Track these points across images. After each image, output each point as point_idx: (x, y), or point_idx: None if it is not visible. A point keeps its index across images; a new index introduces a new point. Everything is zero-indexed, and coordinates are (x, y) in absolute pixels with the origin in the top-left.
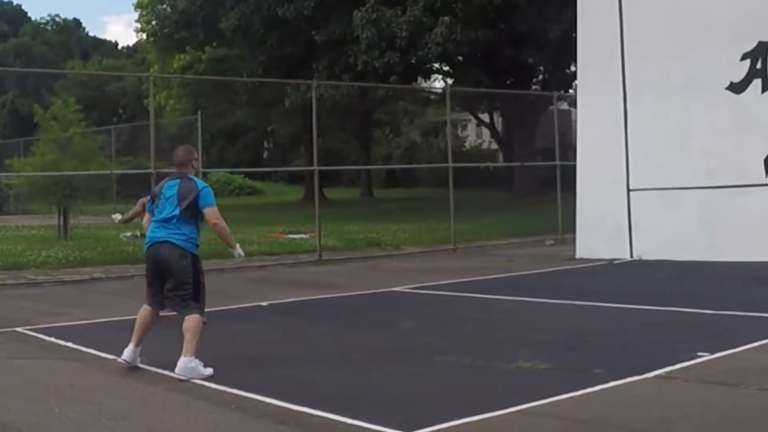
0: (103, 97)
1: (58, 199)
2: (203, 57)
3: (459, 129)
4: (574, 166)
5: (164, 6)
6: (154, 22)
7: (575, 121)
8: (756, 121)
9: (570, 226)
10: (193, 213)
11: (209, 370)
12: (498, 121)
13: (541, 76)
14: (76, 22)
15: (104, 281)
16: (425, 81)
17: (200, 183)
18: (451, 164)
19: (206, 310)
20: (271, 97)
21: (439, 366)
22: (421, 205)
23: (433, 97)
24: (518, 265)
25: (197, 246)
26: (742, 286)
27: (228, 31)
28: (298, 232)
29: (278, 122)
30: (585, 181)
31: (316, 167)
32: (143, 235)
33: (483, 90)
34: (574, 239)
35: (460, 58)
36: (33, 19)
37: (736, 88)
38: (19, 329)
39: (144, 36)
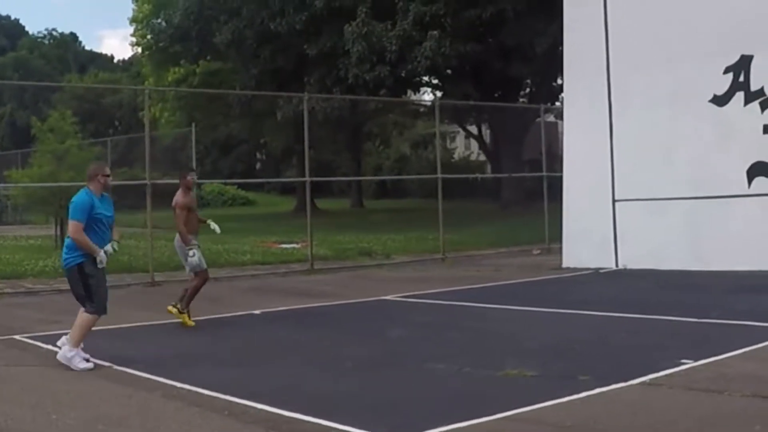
0: (99, 109)
1: (55, 209)
2: (197, 70)
3: (448, 141)
4: (561, 177)
5: (159, 20)
6: (149, 37)
7: (562, 133)
8: (738, 133)
9: (557, 235)
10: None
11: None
12: (486, 133)
13: (528, 89)
14: (73, 36)
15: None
16: (415, 94)
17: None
18: (440, 175)
19: (201, 317)
20: (263, 109)
21: (428, 373)
22: (410, 216)
23: (422, 109)
24: (506, 274)
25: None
26: (726, 294)
27: (222, 45)
28: (291, 242)
29: (271, 134)
30: (571, 192)
31: (307, 178)
32: None
33: (471, 103)
34: (560, 249)
35: (448, 71)
36: (31, 33)
37: (719, 101)
38: (16, 337)
39: (139, 50)
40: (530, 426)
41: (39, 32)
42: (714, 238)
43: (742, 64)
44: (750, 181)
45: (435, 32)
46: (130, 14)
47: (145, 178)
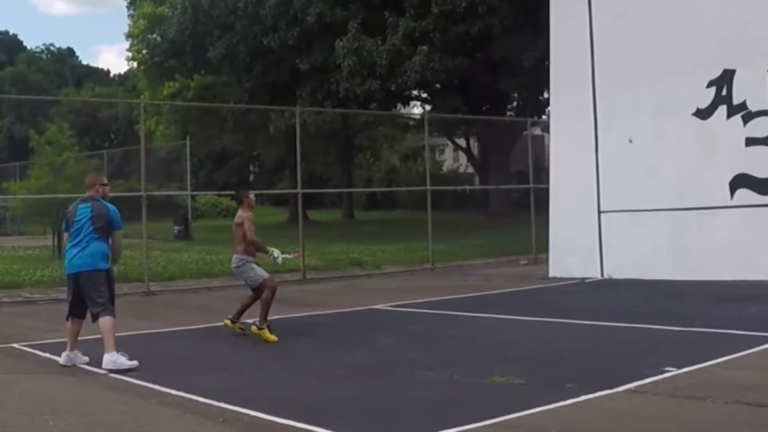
0: (95, 122)
1: (52, 220)
2: (192, 84)
3: (437, 153)
4: (548, 189)
5: (154, 36)
6: (144, 51)
7: (548, 146)
8: (721, 145)
9: (543, 246)
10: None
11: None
12: (474, 145)
13: (515, 103)
14: (70, 51)
15: None
16: (404, 107)
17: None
18: (429, 187)
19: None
20: (256, 122)
21: (417, 380)
22: (400, 227)
23: (411, 122)
24: (494, 283)
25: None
26: (709, 303)
27: (216, 60)
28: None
29: (263, 147)
30: (558, 203)
31: (299, 190)
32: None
33: (460, 116)
34: (547, 259)
35: (437, 85)
36: (28, 48)
37: (703, 114)
38: (15, 345)
39: (135, 64)
40: None
41: (37, 47)
42: (697, 249)
43: (725, 78)
44: (732, 192)
45: (424, 47)
46: (126, 29)
47: (140, 190)
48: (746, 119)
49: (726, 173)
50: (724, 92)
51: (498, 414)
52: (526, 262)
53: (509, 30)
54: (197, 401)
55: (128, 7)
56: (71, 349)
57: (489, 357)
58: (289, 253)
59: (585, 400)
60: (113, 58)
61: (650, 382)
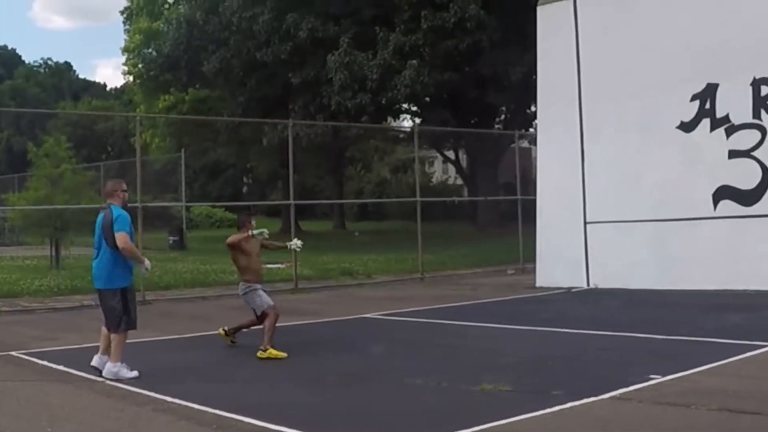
0: (92, 135)
1: (50, 231)
2: (186, 98)
3: (426, 165)
4: (535, 200)
5: (150, 50)
6: (140, 66)
7: (535, 158)
8: (705, 158)
9: (530, 256)
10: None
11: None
12: (463, 158)
13: (503, 116)
14: (68, 66)
15: (94, 308)
16: (395, 120)
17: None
18: (418, 198)
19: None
20: (250, 135)
21: (407, 388)
22: (390, 237)
23: (402, 135)
24: (482, 293)
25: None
26: (692, 312)
27: (210, 74)
28: (276, 262)
29: (257, 159)
30: (544, 214)
31: (292, 201)
32: None
33: (449, 129)
34: (534, 269)
35: (427, 99)
36: (27, 62)
37: (686, 127)
38: (13, 353)
39: (131, 78)
40: None
41: (35, 61)
42: (681, 259)
43: (708, 92)
44: (716, 203)
45: (414, 62)
46: (123, 44)
47: (136, 201)
48: (729, 132)
49: (709, 185)
50: (707, 106)
51: (486, 420)
52: (513, 271)
53: (497, 45)
54: (192, 408)
55: (124, 22)
56: (102, 354)
57: (477, 365)
58: (281, 263)
59: (571, 407)
60: (110, 72)
61: (635, 390)
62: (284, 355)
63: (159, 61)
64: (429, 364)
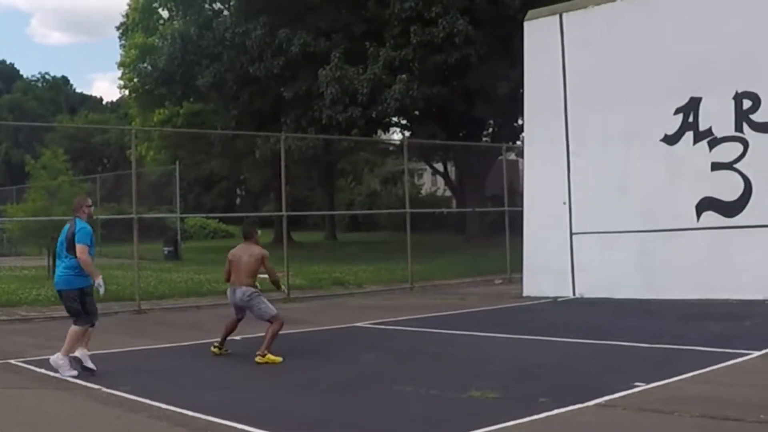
0: (89, 148)
1: (47, 242)
2: (181, 111)
3: (415, 177)
4: (522, 212)
5: (145, 65)
6: (136, 80)
7: (522, 170)
8: (688, 170)
9: (518, 266)
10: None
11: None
12: (451, 170)
13: (491, 129)
14: (65, 80)
15: None
16: (384, 133)
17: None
18: (408, 210)
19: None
20: (243, 148)
21: (397, 395)
22: (381, 248)
23: (391, 148)
24: (471, 302)
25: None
26: (676, 321)
27: (204, 88)
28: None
29: (250, 171)
30: (531, 225)
31: (284, 212)
32: None
33: (438, 142)
34: (521, 279)
35: (416, 112)
36: (25, 76)
37: (670, 140)
38: (12, 361)
39: (127, 92)
40: None
41: (33, 76)
42: (665, 269)
43: (692, 106)
44: (699, 215)
45: (404, 76)
46: (118, 59)
47: (132, 213)
48: (712, 145)
49: (692, 197)
50: (690, 119)
51: (474, 427)
52: (501, 281)
53: (485, 60)
54: (186, 415)
55: (120, 38)
56: (83, 345)
57: (466, 372)
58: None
59: (557, 414)
60: (106, 86)
61: (620, 397)
62: (280, 359)
63: (154, 76)
64: (418, 371)
